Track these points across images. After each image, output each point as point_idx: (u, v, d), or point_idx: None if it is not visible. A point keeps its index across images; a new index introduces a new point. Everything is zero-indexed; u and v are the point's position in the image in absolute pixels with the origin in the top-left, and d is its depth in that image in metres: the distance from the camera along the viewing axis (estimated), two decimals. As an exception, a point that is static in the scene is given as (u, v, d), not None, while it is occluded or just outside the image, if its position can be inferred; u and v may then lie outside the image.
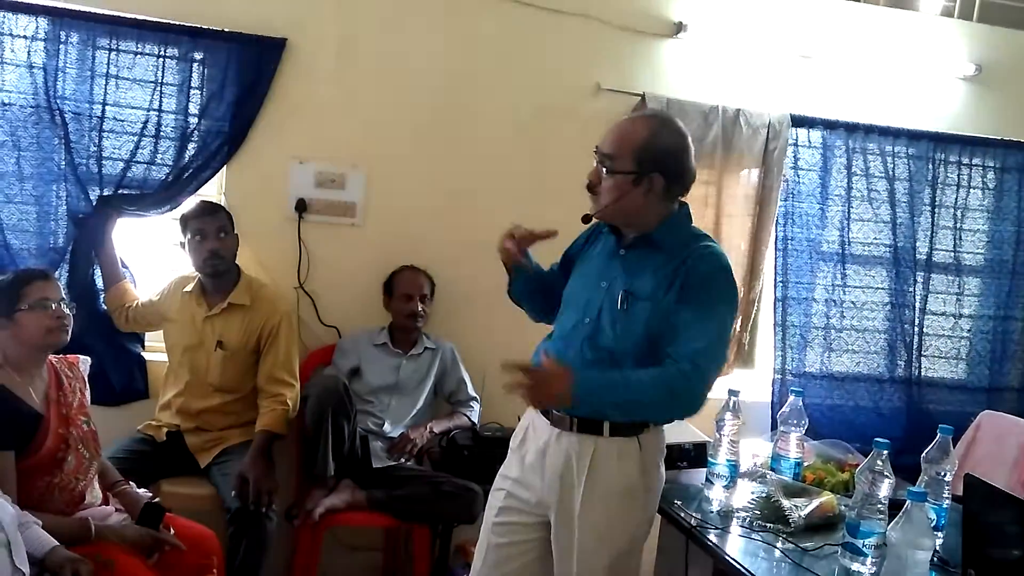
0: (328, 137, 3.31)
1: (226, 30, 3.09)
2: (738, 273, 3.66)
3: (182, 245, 3.02)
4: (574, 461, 2.09)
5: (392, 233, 3.38)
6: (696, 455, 2.79)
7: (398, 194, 3.37)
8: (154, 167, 3.10)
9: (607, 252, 2.17)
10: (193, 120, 3.12)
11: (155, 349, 3.26)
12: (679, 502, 2.40)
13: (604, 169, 2.06)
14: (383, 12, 3.30)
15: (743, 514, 2.33)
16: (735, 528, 2.29)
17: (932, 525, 2.16)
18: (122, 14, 3.01)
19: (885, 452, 2.07)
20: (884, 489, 2.03)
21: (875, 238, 3.86)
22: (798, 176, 3.76)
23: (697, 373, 1.96)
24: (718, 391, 2.29)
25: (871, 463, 2.07)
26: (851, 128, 3.76)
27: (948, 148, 3.89)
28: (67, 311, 2.38)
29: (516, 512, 2.19)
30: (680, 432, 2.73)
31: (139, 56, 3.05)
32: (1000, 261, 4.00)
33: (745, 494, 2.43)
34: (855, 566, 2.01)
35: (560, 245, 2.30)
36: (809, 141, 3.76)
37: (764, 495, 2.37)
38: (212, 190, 3.28)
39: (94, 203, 3.06)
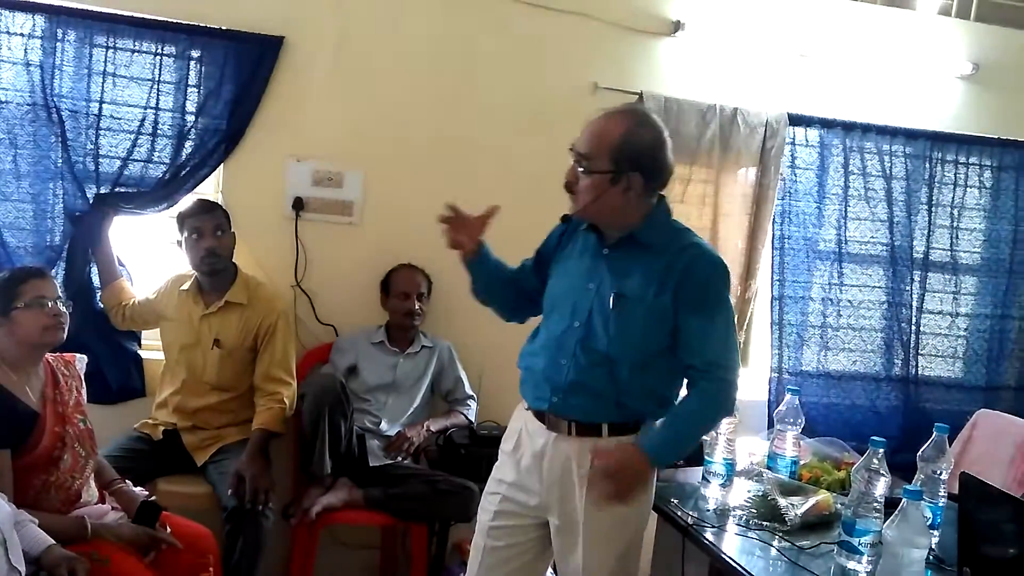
0: (325, 135, 3.31)
1: (223, 28, 3.09)
2: (735, 271, 3.68)
3: (179, 243, 3.01)
4: (574, 464, 2.09)
5: (389, 232, 3.38)
6: (692, 454, 2.79)
7: (395, 193, 3.37)
8: (151, 165, 3.10)
9: (590, 252, 2.14)
10: (190, 118, 3.12)
11: (152, 347, 3.26)
12: (676, 500, 2.40)
13: (580, 169, 2.04)
14: (380, 10, 3.30)
15: (739, 512, 2.34)
16: (731, 526, 2.29)
17: (928, 523, 2.16)
18: (119, 12, 3.01)
19: (881, 451, 2.08)
20: (880, 487, 2.03)
21: (872, 237, 3.87)
22: (795, 175, 3.77)
23: (729, 376, 2.09)
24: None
25: (867, 462, 2.07)
26: (848, 127, 3.77)
27: (945, 147, 3.90)
28: (63, 309, 2.38)
29: (512, 516, 2.19)
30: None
31: (136, 54, 3.05)
32: (997, 260, 4.01)
33: (741, 492, 2.43)
34: (851, 564, 2.01)
35: (534, 242, 2.29)
36: (806, 140, 3.76)
37: (760, 493, 2.38)
38: (209, 188, 3.28)
39: (91, 201, 3.06)
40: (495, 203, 2.15)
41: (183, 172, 3.13)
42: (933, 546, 2.17)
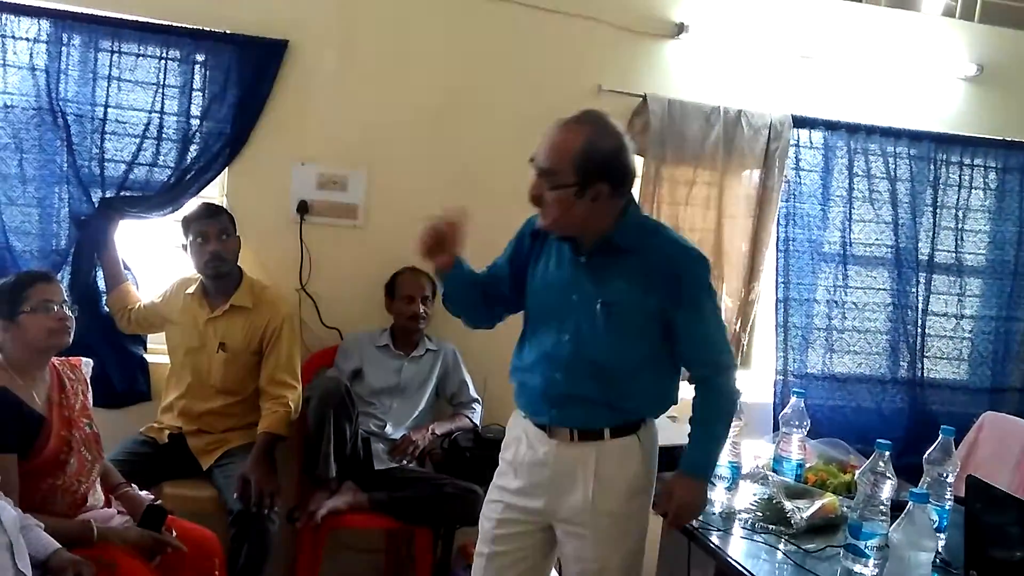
0: (330, 139, 3.31)
1: (228, 32, 3.10)
2: (738, 274, 3.68)
3: (184, 247, 3.02)
4: (578, 470, 2.10)
5: (394, 235, 3.36)
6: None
7: (400, 195, 3.37)
8: (156, 169, 3.11)
9: (567, 262, 2.11)
10: (195, 122, 3.12)
11: (157, 351, 3.26)
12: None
13: (545, 183, 1.99)
14: (384, 14, 3.31)
15: (745, 516, 2.34)
16: (737, 530, 2.29)
17: (934, 526, 2.16)
18: (124, 16, 3.02)
19: (887, 453, 2.07)
20: (886, 490, 2.03)
21: (877, 239, 3.86)
22: (799, 177, 3.76)
23: (731, 365, 2.16)
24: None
25: (873, 464, 2.07)
26: (853, 129, 3.76)
27: (950, 149, 3.89)
28: (69, 313, 2.38)
29: (516, 523, 2.19)
30: (682, 433, 2.72)
31: (141, 58, 3.06)
32: (1002, 262, 4.00)
33: (747, 496, 2.43)
34: (857, 568, 2.01)
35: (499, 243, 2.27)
36: (811, 142, 3.76)
37: (766, 497, 2.38)
38: (214, 192, 3.29)
39: (96, 205, 3.06)
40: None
41: (188, 176, 3.13)
42: (939, 549, 2.17)
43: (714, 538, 2.23)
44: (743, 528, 2.29)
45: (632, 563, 2.17)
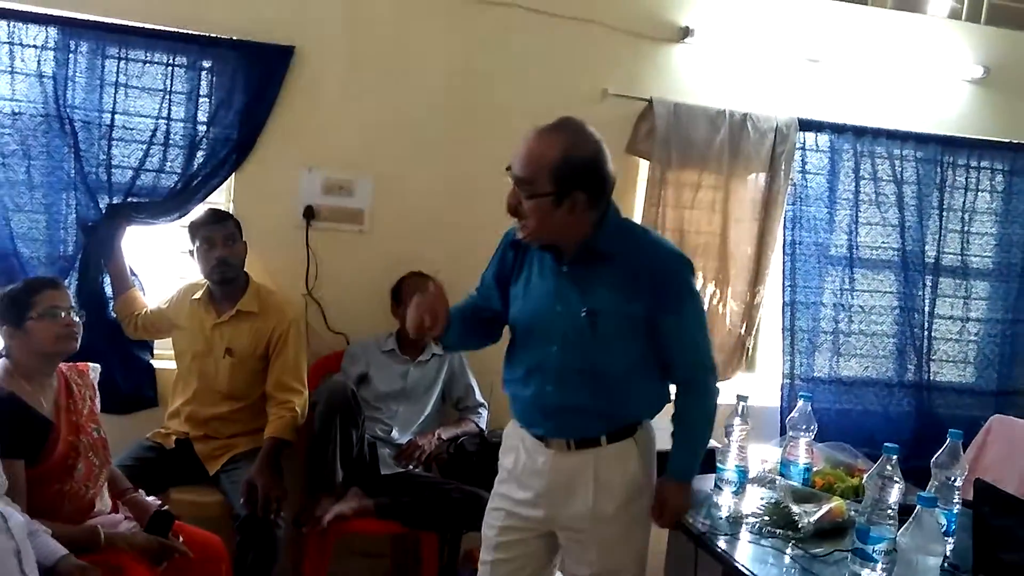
0: (336, 144, 3.32)
1: (234, 38, 3.11)
2: (744, 277, 3.67)
3: (191, 253, 3.03)
4: (578, 478, 2.10)
5: (400, 240, 3.39)
6: (705, 461, 2.77)
7: (406, 201, 3.38)
8: (163, 175, 3.12)
9: (549, 271, 2.09)
10: (202, 128, 3.13)
11: (164, 357, 3.27)
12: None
13: (522, 192, 1.98)
14: (390, 19, 3.31)
15: (752, 520, 2.32)
16: (744, 534, 2.28)
17: (943, 530, 2.15)
18: (131, 23, 3.03)
19: (895, 457, 2.06)
20: (894, 494, 2.01)
21: (883, 242, 3.86)
22: (806, 180, 3.76)
23: (711, 366, 2.15)
24: (726, 397, 2.33)
25: (881, 468, 2.06)
26: (859, 132, 3.76)
27: (956, 151, 3.89)
28: (76, 319, 2.39)
29: (518, 531, 2.19)
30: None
31: (148, 65, 3.07)
32: (1008, 264, 4.00)
33: (754, 500, 2.42)
34: (865, 572, 2.00)
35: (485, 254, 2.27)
36: (817, 145, 3.76)
37: (773, 501, 2.36)
38: (221, 198, 3.30)
39: (103, 211, 3.08)
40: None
41: (195, 182, 3.14)
42: (948, 553, 2.16)
43: (721, 542, 2.22)
44: (750, 532, 2.28)
45: (637, 568, 2.17)
